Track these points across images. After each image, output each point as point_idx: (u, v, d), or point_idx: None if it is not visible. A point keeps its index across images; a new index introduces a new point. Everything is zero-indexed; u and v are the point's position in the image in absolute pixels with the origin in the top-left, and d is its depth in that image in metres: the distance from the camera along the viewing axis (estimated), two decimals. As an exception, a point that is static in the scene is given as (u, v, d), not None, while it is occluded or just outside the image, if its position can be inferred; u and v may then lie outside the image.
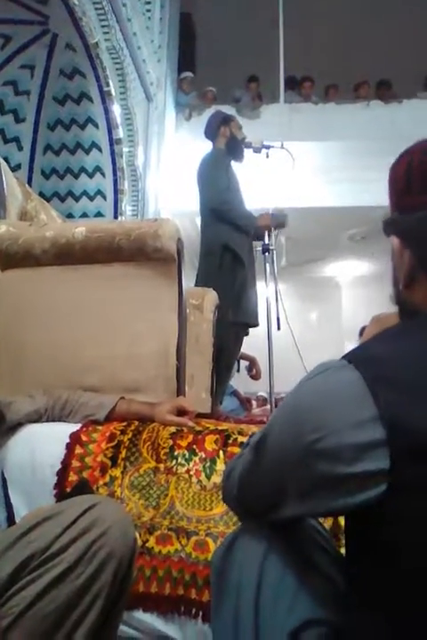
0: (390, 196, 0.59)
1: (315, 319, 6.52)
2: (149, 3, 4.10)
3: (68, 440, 0.98)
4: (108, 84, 3.04)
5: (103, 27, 2.94)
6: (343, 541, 0.82)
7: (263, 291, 2.61)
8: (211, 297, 2.01)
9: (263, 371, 2.56)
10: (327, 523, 0.83)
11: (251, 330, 2.53)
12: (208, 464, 0.96)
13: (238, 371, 2.67)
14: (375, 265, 6.40)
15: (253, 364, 2.69)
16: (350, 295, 6.47)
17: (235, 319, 2.33)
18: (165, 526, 0.89)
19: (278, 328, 2.50)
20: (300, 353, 2.45)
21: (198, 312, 1.94)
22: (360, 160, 4.70)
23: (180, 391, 1.29)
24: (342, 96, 5.41)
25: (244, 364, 2.72)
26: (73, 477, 0.93)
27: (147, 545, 0.87)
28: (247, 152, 2.94)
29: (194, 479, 0.94)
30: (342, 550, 0.65)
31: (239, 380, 2.95)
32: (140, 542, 0.86)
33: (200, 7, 5.88)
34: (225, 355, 2.25)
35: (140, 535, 0.87)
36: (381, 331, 0.53)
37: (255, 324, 2.50)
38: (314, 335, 5.20)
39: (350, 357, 0.48)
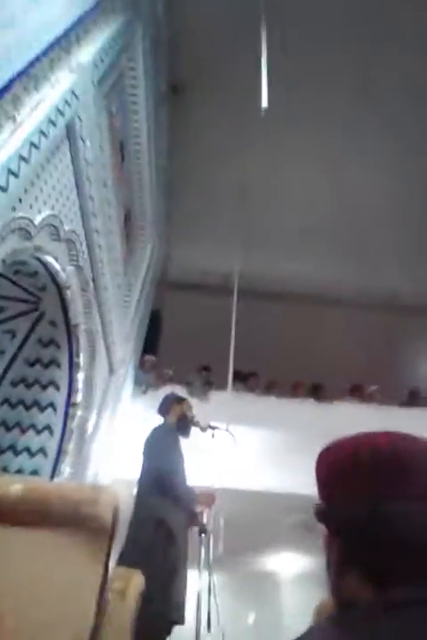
0: (317, 487, 0.64)
1: (251, 622, 5.75)
2: (127, 297, 5.01)
3: None
4: (78, 356, 3.45)
5: (86, 313, 3.52)
6: None
7: (196, 581, 2.43)
8: (136, 581, 1.86)
9: None
10: None
11: (176, 628, 2.24)
12: None
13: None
14: (318, 561, 6.08)
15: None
16: (291, 595, 5.92)
17: (160, 612, 2.10)
18: None
19: (208, 630, 2.24)
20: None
21: (120, 599, 1.77)
22: (298, 450, 5.05)
23: None
24: (281, 392, 6.18)
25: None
26: None
27: None
28: (195, 430, 3.19)
29: None
30: None
31: None
32: None
33: (168, 307, 7.17)
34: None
35: None
36: (317, 622, 0.54)
37: (181, 622, 2.24)
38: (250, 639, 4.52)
39: None
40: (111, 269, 4.02)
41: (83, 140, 2.97)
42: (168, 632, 2.21)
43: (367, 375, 6.83)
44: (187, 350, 6.09)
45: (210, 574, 2.49)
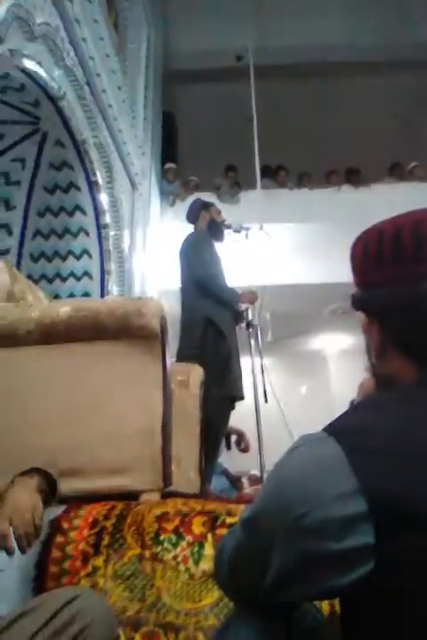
0: (352, 273, 0.61)
1: (303, 392, 6.51)
2: (131, 99, 4.49)
3: (47, 528, 0.92)
4: (95, 175, 3.23)
5: (91, 125, 3.19)
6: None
7: (249, 365, 2.61)
8: (196, 372, 2.00)
9: (253, 445, 2.50)
10: (325, 609, 0.78)
11: (238, 404, 2.49)
12: (196, 549, 0.92)
13: (229, 448, 2.60)
14: (360, 337, 6.47)
15: (241, 437, 2.62)
16: (337, 367, 6.51)
17: (221, 393, 2.31)
18: (151, 622, 0.82)
19: (266, 401, 2.48)
20: (289, 427, 2.41)
21: (184, 388, 1.93)
22: (334, 240, 4.93)
23: (166, 471, 1.25)
24: (314, 183, 5.81)
25: (233, 439, 2.66)
26: (53, 569, 0.87)
27: (132, 644, 0.80)
28: (228, 234, 3.09)
29: (181, 567, 0.89)
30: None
31: (229, 458, 2.86)
32: (124, 641, 0.79)
33: (181, 106, 6.44)
34: (213, 431, 2.20)
35: (124, 632, 0.80)
36: (361, 398, 0.54)
37: (241, 397, 2.47)
38: (303, 408, 5.16)
39: (329, 429, 0.48)
40: (105, 67, 3.48)
41: None
42: (231, 408, 2.46)
43: (406, 150, 6.20)
44: (208, 152, 5.64)
45: (261, 357, 2.65)
